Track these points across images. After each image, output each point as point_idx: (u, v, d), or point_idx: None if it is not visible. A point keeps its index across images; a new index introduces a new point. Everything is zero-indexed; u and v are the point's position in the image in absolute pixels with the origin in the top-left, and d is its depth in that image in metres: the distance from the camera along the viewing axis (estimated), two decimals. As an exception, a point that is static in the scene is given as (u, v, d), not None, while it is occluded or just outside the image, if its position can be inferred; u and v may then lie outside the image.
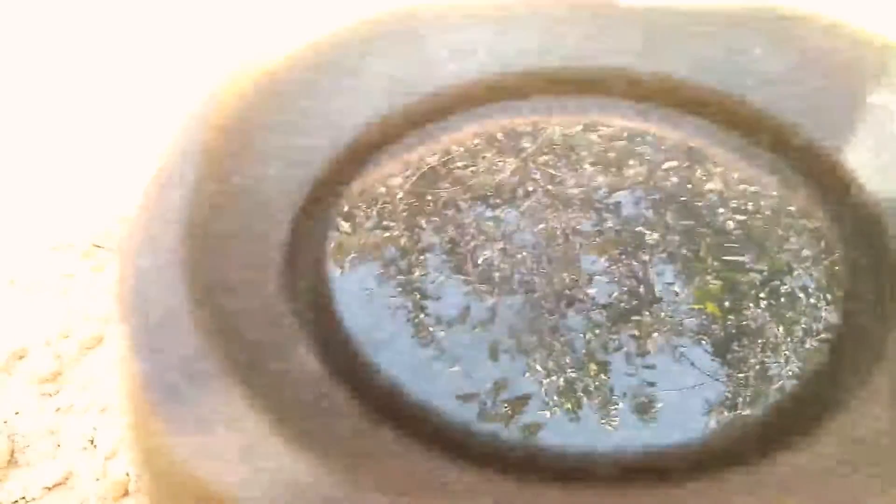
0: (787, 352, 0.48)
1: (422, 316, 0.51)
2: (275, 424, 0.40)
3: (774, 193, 0.56)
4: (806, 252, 0.53)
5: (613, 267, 0.54)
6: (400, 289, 0.52)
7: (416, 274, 0.53)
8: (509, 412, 0.46)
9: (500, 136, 0.60)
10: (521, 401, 0.47)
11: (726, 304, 0.51)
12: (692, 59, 0.58)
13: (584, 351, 0.49)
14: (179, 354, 0.43)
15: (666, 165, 0.58)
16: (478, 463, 0.41)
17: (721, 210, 0.56)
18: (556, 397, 0.47)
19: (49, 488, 0.88)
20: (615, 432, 0.45)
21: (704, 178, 0.57)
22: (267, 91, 0.57)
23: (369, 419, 0.42)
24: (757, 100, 0.57)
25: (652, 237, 0.55)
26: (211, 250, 0.49)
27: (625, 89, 0.59)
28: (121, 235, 0.51)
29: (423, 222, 0.56)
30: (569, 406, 0.47)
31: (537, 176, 0.58)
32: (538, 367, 0.48)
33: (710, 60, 0.58)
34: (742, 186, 0.57)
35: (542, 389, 0.47)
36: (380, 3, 0.61)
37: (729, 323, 0.50)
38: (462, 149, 0.59)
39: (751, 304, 0.51)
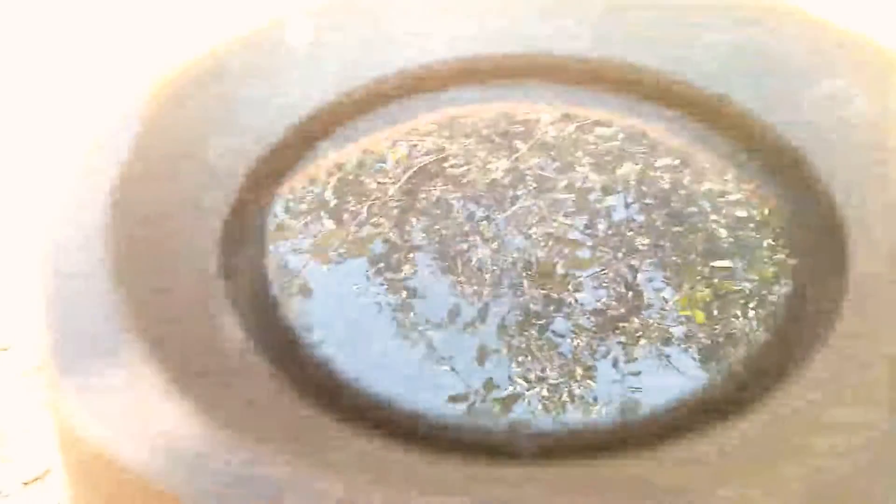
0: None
1: (410, 315, 0.51)
2: (182, 396, 0.40)
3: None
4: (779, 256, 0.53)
5: (603, 272, 0.53)
6: (386, 286, 0.52)
7: (405, 272, 0.53)
8: (498, 410, 0.46)
9: (492, 135, 0.60)
10: (511, 399, 0.46)
11: (714, 312, 0.51)
12: (653, 48, 0.59)
13: (571, 356, 0.49)
14: (89, 325, 0.42)
15: (659, 163, 0.58)
16: (388, 437, 0.41)
17: (713, 217, 0.56)
18: (539, 404, 0.47)
19: (27, 483, 0.87)
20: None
21: (695, 179, 0.57)
22: (214, 73, 0.56)
23: (281, 388, 0.42)
24: (717, 92, 0.57)
25: (643, 242, 0.55)
26: (140, 225, 0.48)
27: (582, 77, 0.59)
28: (44, 207, 0.50)
29: (412, 220, 0.56)
30: (554, 412, 0.46)
31: (529, 177, 0.58)
32: (524, 373, 0.48)
33: (673, 48, 0.58)
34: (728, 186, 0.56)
35: (528, 394, 0.47)
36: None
37: (716, 330, 0.50)
38: (445, 153, 0.59)
39: (738, 313, 0.50)
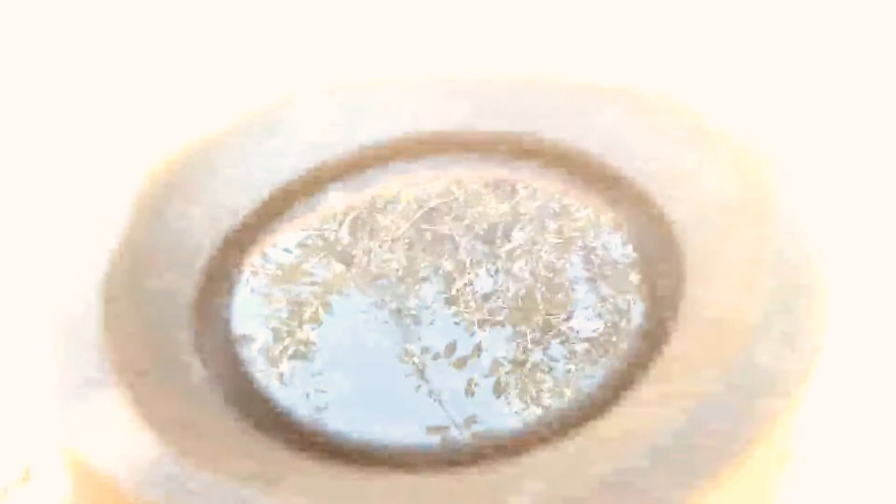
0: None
1: (413, 345, 0.54)
2: (152, 425, 0.47)
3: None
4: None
5: (600, 303, 0.57)
6: (393, 315, 0.56)
7: (412, 303, 0.57)
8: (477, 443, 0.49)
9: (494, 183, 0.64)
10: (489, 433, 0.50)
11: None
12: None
13: (562, 379, 0.52)
14: (80, 362, 0.50)
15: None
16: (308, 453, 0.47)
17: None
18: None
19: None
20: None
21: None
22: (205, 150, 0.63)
23: (236, 418, 0.48)
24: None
25: (638, 277, 0.58)
26: (134, 276, 0.55)
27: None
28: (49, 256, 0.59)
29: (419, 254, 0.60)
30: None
31: (530, 217, 0.62)
32: (515, 402, 0.51)
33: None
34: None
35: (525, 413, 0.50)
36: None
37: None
38: (453, 196, 0.64)
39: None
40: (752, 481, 0.44)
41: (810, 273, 0.51)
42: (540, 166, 0.64)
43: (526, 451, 0.46)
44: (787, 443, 0.46)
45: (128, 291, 0.54)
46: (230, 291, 0.58)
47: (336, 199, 0.63)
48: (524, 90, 0.66)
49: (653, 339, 0.52)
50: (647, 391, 0.48)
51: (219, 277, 0.58)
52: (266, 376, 0.53)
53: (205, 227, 0.58)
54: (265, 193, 0.61)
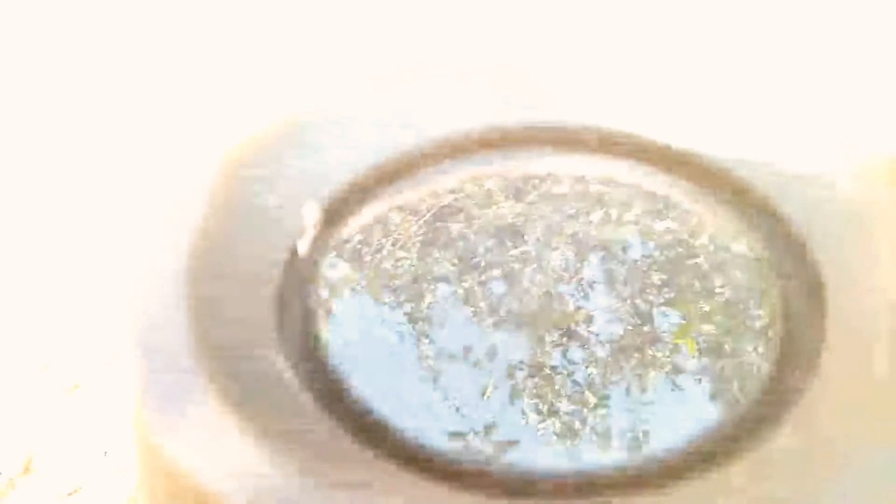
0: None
1: (424, 346, 0.53)
2: (244, 425, 0.46)
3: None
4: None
5: (620, 305, 0.55)
6: (407, 317, 0.54)
7: (426, 303, 0.55)
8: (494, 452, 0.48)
9: (513, 182, 0.62)
10: (510, 443, 0.48)
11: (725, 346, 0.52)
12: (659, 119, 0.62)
13: (585, 384, 0.51)
14: (173, 371, 0.49)
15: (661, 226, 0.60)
16: (418, 470, 0.45)
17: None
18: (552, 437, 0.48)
19: (64, 497, 0.90)
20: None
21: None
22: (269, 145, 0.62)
23: (331, 427, 0.47)
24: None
25: (660, 277, 0.56)
26: (212, 277, 0.53)
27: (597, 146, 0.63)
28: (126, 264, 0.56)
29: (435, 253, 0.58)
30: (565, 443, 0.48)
31: (547, 215, 0.60)
32: (531, 412, 0.49)
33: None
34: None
35: (534, 432, 0.49)
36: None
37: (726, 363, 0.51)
38: (465, 194, 0.61)
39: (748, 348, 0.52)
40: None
41: None
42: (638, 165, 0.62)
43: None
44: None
45: (208, 288, 0.53)
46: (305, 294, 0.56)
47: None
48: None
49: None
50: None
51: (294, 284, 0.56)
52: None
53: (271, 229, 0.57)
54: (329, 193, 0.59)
